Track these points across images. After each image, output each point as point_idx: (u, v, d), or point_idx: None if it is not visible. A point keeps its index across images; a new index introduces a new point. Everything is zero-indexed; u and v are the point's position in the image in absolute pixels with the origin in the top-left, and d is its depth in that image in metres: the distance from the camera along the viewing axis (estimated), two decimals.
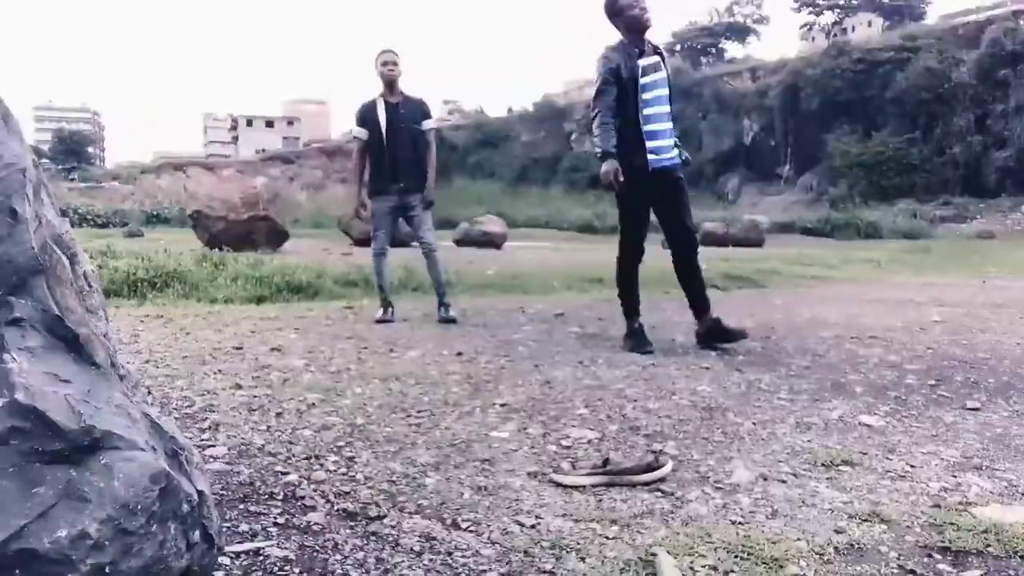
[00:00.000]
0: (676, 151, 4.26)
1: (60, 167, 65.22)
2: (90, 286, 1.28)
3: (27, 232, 1.10)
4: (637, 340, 4.37)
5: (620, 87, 4.09)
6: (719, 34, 67.16)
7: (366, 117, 5.39)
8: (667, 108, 4.21)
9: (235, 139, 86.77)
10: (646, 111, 4.13)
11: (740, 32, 66.88)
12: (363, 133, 5.37)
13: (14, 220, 1.09)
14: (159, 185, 38.58)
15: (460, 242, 16.98)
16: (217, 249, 10.47)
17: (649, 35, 4.23)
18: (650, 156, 4.14)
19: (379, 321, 5.34)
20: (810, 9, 65.49)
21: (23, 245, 1.09)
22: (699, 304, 4.44)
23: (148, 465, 1.09)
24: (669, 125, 4.23)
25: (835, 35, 57.98)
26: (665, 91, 4.18)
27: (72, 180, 50.15)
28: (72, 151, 77.28)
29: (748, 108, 46.41)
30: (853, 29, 58.87)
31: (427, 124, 5.47)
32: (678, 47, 66.57)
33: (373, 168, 5.41)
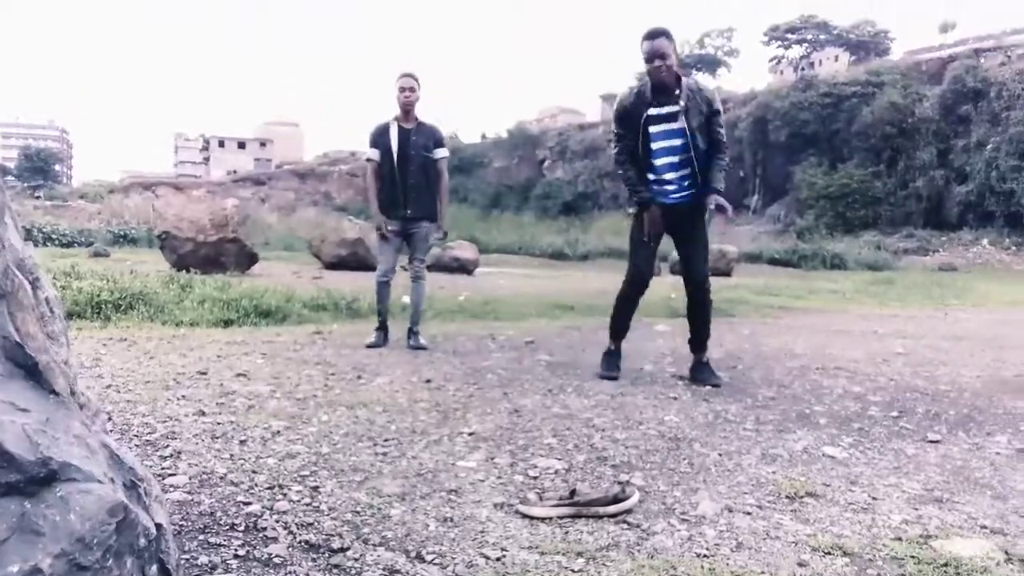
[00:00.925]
0: (687, 193, 4.28)
1: (26, 184, 64.19)
2: (52, 312, 1.26)
3: None
4: (605, 362, 4.47)
5: (631, 129, 4.21)
6: (690, 66, 68.29)
7: (377, 140, 5.35)
8: (678, 157, 4.21)
9: (206, 159, 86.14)
10: (654, 160, 4.22)
11: (711, 64, 68.18)
12: (376, 155, 5.33)
13: None
14: (127, 204, 38.04)
15: (431, 267, 16.93)
16: (185, 271, 10.33)
17: (691, 82, 4.22)
18: (655, 191, 4.26)
19: (369, 345, 5.31)
20: (779, 43, 67.00)
21: None
22: (693, 341, 4.49)
23: (105, 498, 1.07)
24: (681, 172, 4.24)
25: (803, 69, 59.39)
26: (679, 141, 4.17)
27: (38, 198, 49.29)
28: (39, 168, 76.16)
29: None
30: (820, 63, 60.29)
31: (439, 153, 5.39)
32: None
33: (382, 192, 5.37)
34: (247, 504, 2.14)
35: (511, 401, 3.65)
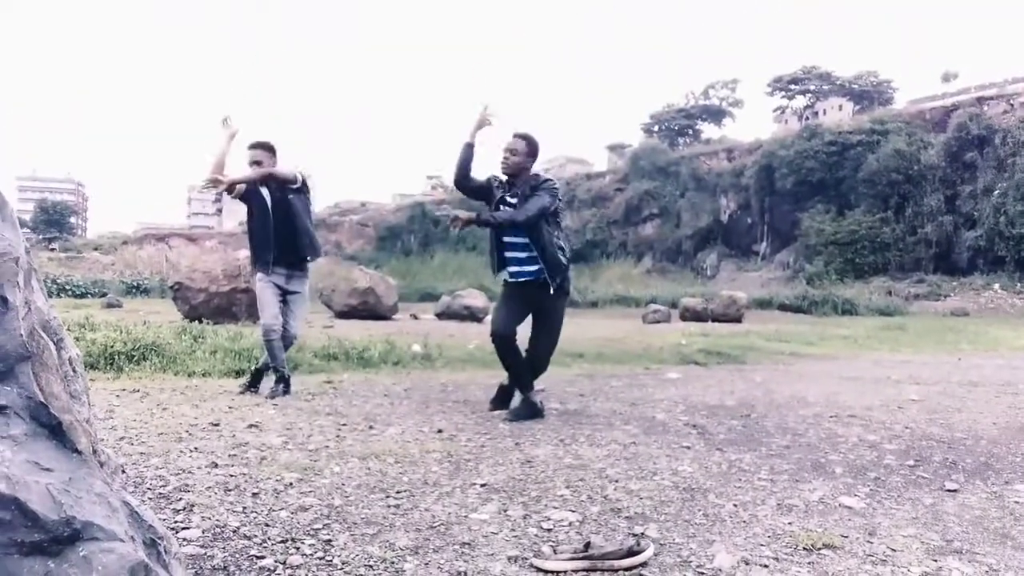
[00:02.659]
0: (535, 268, 4.65)
1: (41, 237, 65.08)
2: (75, 371, 1.29)
3: (16, 319, 1.11)
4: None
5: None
6: (695, 116, 69.28)
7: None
8: (524, 239, 4.61)
9: (219, 211, 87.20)
10: (504, 237, 4.70)
11: (715, 114, 69.07)
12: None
13: (4, 308, 1.10)
14: (140, 256, 38.50)
15: (441, 315, 17.00)
16: (197, 321, 10.39)
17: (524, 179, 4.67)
18: (510, 269, 4.74)
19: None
20: (783, 93, 67.90)
21: (12, 332, 1.10)
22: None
23: (127, 556, 1.08)
24: (524, 254, 4.66)
25: (807, 118, 59.98)
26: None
27: (53, 250, 49.95)
28: (54, 221, 77.33)
29: (725, 187, 47.54)
30: (824, 112, 60.92)
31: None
32: (656, 127, 68.51)
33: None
34: (260, 558, 2.13)
35: (523, 451, 3.64)
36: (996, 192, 34.41)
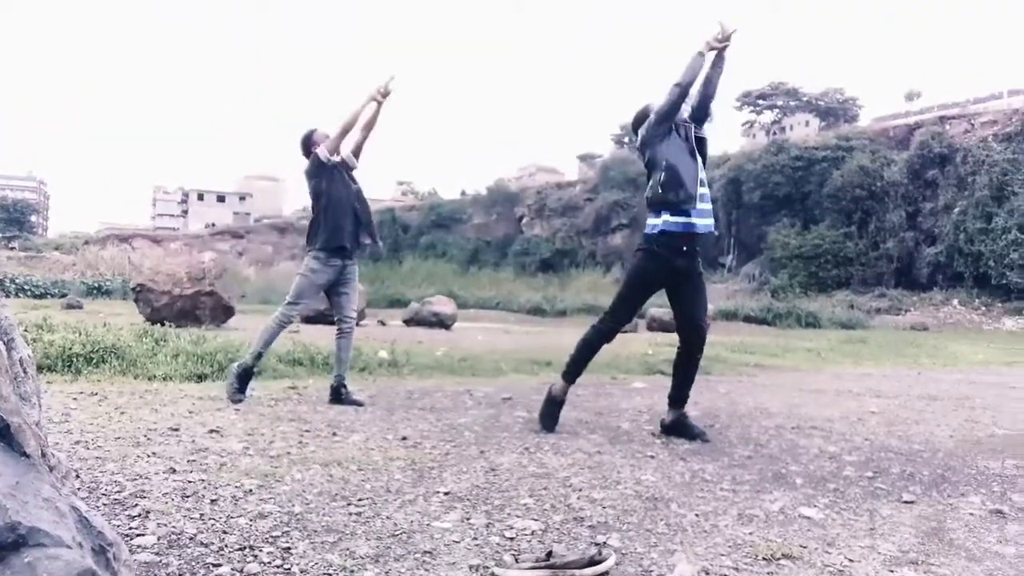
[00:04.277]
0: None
1: (0, 235, 63.62)
2: (25, 372, 1.25)
3: None
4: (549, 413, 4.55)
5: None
6: None
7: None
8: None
9: (184, 212, 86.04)
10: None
11: None
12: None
13: None
14: (103, 256, 37.73)
15: (409, 322, 16.91)
16: (160, 324, 10.21)
17: None
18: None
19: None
20: (751, 108, 68.90)
21: None
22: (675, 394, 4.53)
23: (73, 564, 1.05)
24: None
25: (774, 133, 60.95)
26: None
27: (12, 248, 48.87)
28: (14, 219, 75.69)
29: None
30: (791, 128, 61.96)
31: None
32: (626, 138, 69.02)
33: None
34: (217, 566, 2.09)
35: (488, 459, 3.63)
36: (956, 210, 35.21)
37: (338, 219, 5.23)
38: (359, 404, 5.17)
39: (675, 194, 4.14)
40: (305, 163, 5.38)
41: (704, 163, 4.36)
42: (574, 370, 4.53)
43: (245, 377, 5.22)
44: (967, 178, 35.60)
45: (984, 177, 34.41)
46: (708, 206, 4.30)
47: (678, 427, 4.44)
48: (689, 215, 4.20)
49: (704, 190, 4.29)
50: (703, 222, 4.28)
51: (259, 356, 5.34)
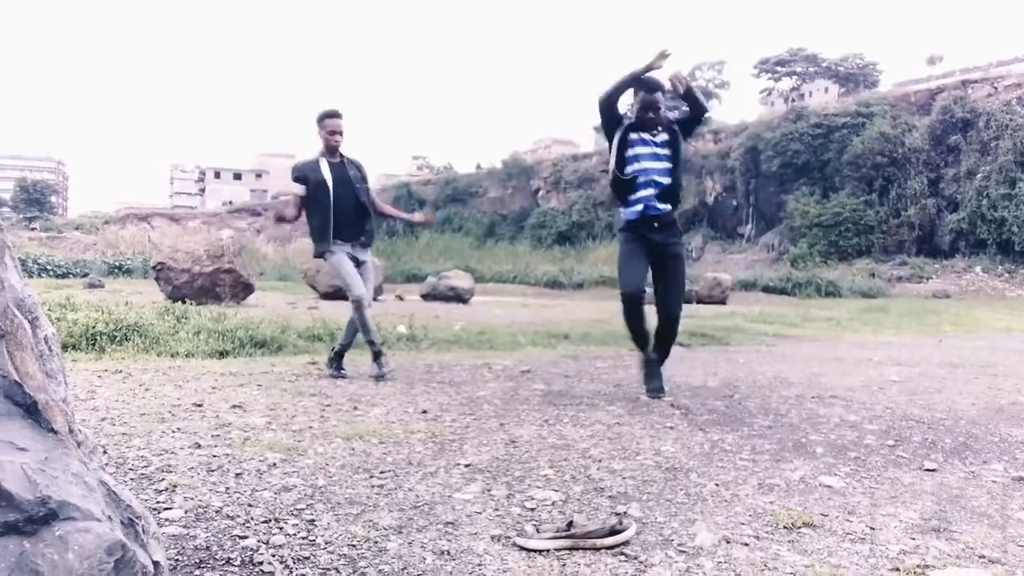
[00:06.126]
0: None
1: (22, 216, 64.31)
2: (50, 350, 1.27)
3: None
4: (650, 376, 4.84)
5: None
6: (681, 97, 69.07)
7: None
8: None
9: (202, 191, 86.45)
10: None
11: (702, 95, 68.93)
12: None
13: None
14: (122, 236, 38.05)
15: (427, 296, 16.97)
16: (180, 302, 10.30)
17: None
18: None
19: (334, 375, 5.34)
20: (769, 75, 67.83)
21: None
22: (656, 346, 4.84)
23: (104, 536, 1.07)
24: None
25: (793, 100, 60.02)
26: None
27: (33, 229, 49.43)
28: (35, 200, 76.46)
29: (711, 169, 47.54)
30: (810, 95, 60.99)
31: None
32: None
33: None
34: (243, 538, 2.13)
35: (507, 431, 3.65)
36: (979, 175, 34.62)
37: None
38: (388, 372, 5.31)
39: (623, 196, 4.77)
40: None
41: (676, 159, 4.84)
42: (637, 339, 4.79)
43: (339, 358, 5.52)
44: (990, 143, 34.94)
45: (1008, 142, 33.75)
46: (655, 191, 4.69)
47: (650, 367, 4.78)
48: (642, 204, 4.68)
49: (664, 180, 4.73)
50: (661, 206, 4.70)
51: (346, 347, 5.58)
